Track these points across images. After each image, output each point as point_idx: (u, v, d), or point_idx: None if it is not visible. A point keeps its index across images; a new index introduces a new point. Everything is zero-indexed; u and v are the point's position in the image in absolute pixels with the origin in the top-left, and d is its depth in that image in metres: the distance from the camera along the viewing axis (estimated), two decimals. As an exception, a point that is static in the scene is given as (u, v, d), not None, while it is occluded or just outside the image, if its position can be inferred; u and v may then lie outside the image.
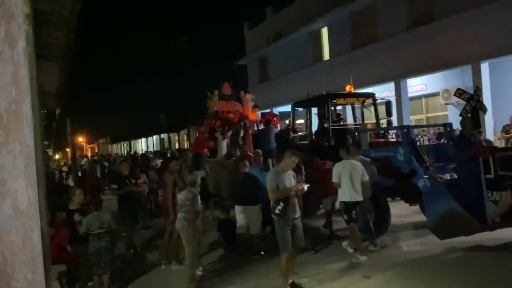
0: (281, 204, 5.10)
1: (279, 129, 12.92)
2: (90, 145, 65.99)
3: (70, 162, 23.78)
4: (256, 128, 12.01)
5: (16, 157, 1.18)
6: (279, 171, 5.31)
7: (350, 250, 6.72)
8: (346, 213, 6.58)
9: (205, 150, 12.10)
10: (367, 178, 6.61)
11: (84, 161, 23.70)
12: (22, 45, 1.18)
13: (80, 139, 53.03)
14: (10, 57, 1.18)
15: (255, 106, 12.94)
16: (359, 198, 6.46)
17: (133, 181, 8.11)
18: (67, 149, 42.34)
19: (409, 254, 6.54)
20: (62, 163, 29.17)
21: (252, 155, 9.16)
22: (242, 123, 12.12)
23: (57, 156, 43.92)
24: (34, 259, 1.20)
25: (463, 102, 9.33)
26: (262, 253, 6.98)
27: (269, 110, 18.63)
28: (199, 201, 6.15)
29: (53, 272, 5.25)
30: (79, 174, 17.95)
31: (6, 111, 1.17)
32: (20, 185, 1.19)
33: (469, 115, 7.96)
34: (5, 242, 1.16)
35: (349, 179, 6.41)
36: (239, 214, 7.22)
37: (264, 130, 11.43)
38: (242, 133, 11.85)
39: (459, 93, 9.06)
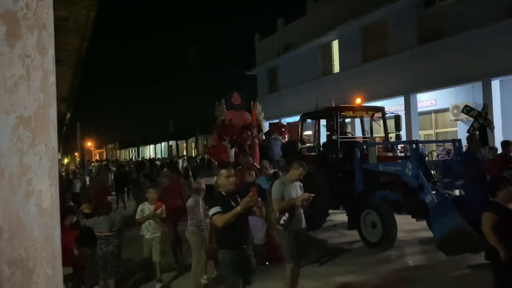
0: (286, 214, 5.12)
1: (287, 139, 12.94)
2: (98, 150, 66.50)
3: (78, 166, 24.03)
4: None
5: (42, 158, 1.25)
6: (285, 181, 5.33)
7: None
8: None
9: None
10: None
11: (92, 165, 23.91)
12: (51, 53, 1.26)
13: (89, 144, 53.49)
14: (40, 64, 1.25)
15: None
16: None
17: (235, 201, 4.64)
18: (76, 153, 42.74)
19: (415, 270, 6.51)
20: (70, 167, 29.43)
21: (258, 165, 9.19)
22: (249, 132, 12.19)
23: (65, 160, 44.33)
24: (55, 255, 1.26)
25: (472, 119, 9.32)
26: (267, 263, 6.97)
27: (277, 121, 18.70)
28: (196, 210, 6.09)
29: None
30: (87, 178, 18.15)
31: (35, 114, 1.25)
32: (44, 185, 1.25)
33: (477, 132, 7.94)
34: (28, 238, 1.22)
35: None
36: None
37: (267, 140, 11.54)
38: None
39: (467, 110, 9.05)
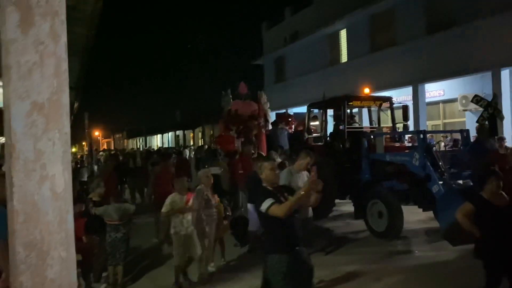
0: None
1: (293, 130, 12.95)
2: (106, 139, 66.90)
3: (86, 155, 24.24)
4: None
5: (55, 143, 1.29)
6: (293, 171, 5.36)
7: None
8: None
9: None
10: None
11: (100, 154, 24.11)
12: (64, 40, 1.29)
13: (96, 133, 53.83)
14: (53, 51, 1.28)
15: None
16: None
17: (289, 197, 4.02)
18: (84, 143, 43.06)
19: (420, 259, 6.54)
20: (78, 156, 29.70)
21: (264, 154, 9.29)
22: (256, 122, 12.22)
23: (73, 149, 44.70)
24: (68, 239, 1.30)
25: (481, 109, 9.26)
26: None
27: (283, 111, 18.68)
28: (199, 200, 6.04)
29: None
30: (95, 167, 18.29)
31: (48, 100, 1.28)
32: (58, 170, 1.29)
33: (486, 122, 7.89)
34: (43, 222, 1.26)
35: None
36: (251, 212, 7.29)
37: (273, 130, 11.58)
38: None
39: (477, 99, 9.00)
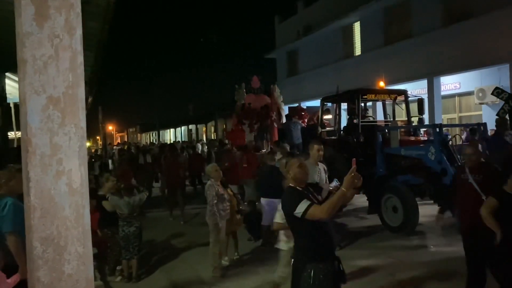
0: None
1: (306, 123, 12.89)
2: (120, 134, 67.51)
3: (100, 149, 24.50)
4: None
5: (71, 138, 1.28)
6: (308, 165, 5.30)
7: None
8: None
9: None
10: None
11: (114, 148, 24.35)
12: (79, 33, 1.28)
13: (110, 128, 54.30)
14: (69, 44, 1.27)
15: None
16: None
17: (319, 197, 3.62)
18: (98, 137, 43.54)
19: (436, 254, 6.46)
20: (93, 150, 30.04)
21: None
22: (269, 116, 12.21)
23: (87, 144, 45.19)
24: (85, 234, 1.30)
25: (498, 102, 9.09)
26: (286, 245, 7.02)
27: (296, 105, 18.60)
28: (209, 193, 6.05)
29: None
30: (110, 161, 18.48)
31: (64, 94, 1.27)
32: (74, 165, 1.28)
33: (507, 115, 7.74)
34: (60, 217, 1.26)
35: None
36: (264, 206, 7.28)
37: (286, 124, 11.55)
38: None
39: (497, 92, 8.83)
